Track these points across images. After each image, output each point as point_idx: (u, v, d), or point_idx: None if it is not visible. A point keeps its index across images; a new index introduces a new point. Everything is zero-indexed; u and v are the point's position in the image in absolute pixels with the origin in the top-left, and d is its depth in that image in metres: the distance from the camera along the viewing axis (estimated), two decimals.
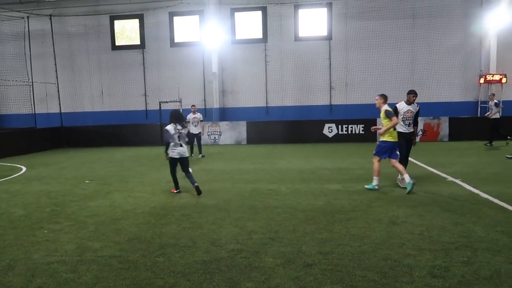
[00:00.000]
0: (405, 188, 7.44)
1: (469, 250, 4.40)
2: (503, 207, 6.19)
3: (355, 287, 3.60)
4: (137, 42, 21.03)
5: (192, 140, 14.00)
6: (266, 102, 20.41)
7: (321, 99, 19.94)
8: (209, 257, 4.45)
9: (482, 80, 18.45)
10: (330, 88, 19.93)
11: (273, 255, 4.43)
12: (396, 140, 7.74)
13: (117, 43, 21.20)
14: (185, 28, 20.86)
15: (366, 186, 7.86)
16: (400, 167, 7.61)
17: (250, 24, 20.47)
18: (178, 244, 4.89)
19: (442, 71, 18.77)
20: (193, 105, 14.68)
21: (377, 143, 8.03)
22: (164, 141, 8.69)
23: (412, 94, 8.24)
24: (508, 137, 14.80)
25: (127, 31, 21.42)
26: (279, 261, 4.27)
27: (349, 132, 18.30)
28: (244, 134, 19.05)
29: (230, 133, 19.16)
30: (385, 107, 7.76)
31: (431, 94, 18.73)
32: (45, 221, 6.18)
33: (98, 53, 21.15)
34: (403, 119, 8.12)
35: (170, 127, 7.67)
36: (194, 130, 13.99)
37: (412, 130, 8.23)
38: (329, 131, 18.43)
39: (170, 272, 4.06)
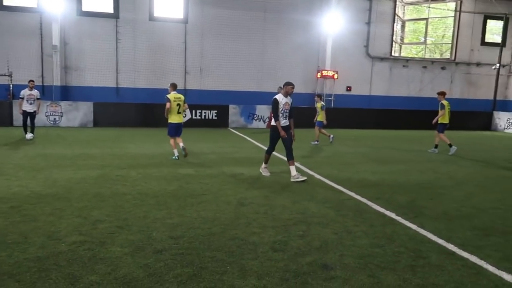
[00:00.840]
0: (266, 175, 7.93)
1: (304, 225, 4.97)
2: (331, 186, 7.19)
3: (205, 268, 3.69)
4: None
5: (26, 119, 12.80)
6: (117, 83, 19.14)
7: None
8: (45, 252, 3.96)
9: (319, 75, 20.96)
10: (185, 72, 19.83)
11: (121, 244, 4.21)
12: None
13: None
14: None
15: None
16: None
17: None
18: (5, 241, 4.21)
19: (287, 64, 20.56)
20: (31, 81, 13.21)
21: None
22: None
23: (290, 85, 7.64)
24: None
25: None
26: (127, 250, 4.07)
27: (203, 117, 18.59)
28: (90, 116, 17.49)
29: (74, 114, 17.34)
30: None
31: (277, 84, 20.36)
32: None
33: None
34: (282, 111, 7.65)
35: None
36: (29, 108, 12.71)
37: (288, 123, 7.83)
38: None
39: None
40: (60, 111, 17.15)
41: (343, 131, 17.97)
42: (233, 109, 19.04)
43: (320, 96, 14.14)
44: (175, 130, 9.72)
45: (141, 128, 16.94)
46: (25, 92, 12.70)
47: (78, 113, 17.37)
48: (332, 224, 5.03)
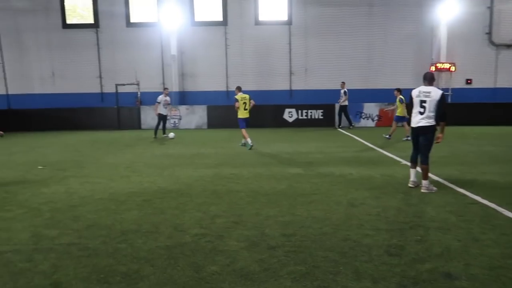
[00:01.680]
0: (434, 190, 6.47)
1: (422, 229, 4.67)
2: (452, 189, 6.60)
3: (318, 267, 3.72)
4: (90, 20, 20.03)
5: (161, 121, 14.78)
6: (227, 86, 20.27)
7: (281, 84, 20.09)
8: (173, 242, 4.41)
9: (433, 68, 19.34)
10: (290, 73, 20.10)
11: (237, 239, 4.47)
12: None
13: (68, 21, 20.06)
14: (141, 7, 20.10)
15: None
16: None
17: (209, 6, 20.09)
18: (140, 230, 4.81)
19: (396, 58, 19.45)
20: (166, 88, 15.72)
21: None
22: None
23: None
24: (352, 124, 17.77)
25: (79, 9, 20.33)
26: (243, 244, 4.31)
27: (309, 117, 18.63)
28: (204, 119, 18.88)
29: (191, 117, 18.91)
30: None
31: (386, 80, 19.40)
32: None
33: (48, 31, 19.94)
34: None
35: None
36: (164, 111, 14.78)
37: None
38: (289, 116, 18.67)
39: (133, 258, 3.99)
40: (179, 114, 18.87)
41: (463, 128, 16.33)
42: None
43: (399, 90, 13.66)
44: (245, 123, 11.76)
45: (250, 129, 17.66)
46: (162, 98, 14.58)
47: (194, 116, 18.89)
48: (454, 230, 4.63)
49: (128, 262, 3.90)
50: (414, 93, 6.44)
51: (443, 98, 6.19)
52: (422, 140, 6.32)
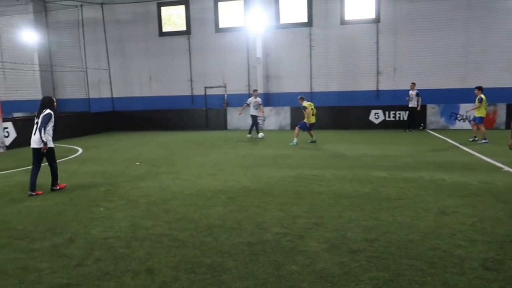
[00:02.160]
0: None
1: (496, 244, 4.19)
2: None
3: (402, 275, 3.55)
4: (183, 28, 21.39)
5: (254, 122, 15.46)
6: (311, 88, 20.16)
7: (367, 85, 19.37)
8: (255, 239, 4.55)
9: None
10: (377, 73, 19.30)
11: (318, 240, 4.46)
12: None
13: (164, 29, 21.68)
14: (229, 13, 20.92)
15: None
16: None
17: (294, 8, 20.16)
18: (224, 226, 5.04)
19: (499, 55, 17.56)
20: (255, 90, 15.96)
21: None
22: None
23: None
24: (422, 125, 16.86)
25: (173, 17, 21.84)
26: (323, 246, 4.29)
27: (397, 118, 17.72)
28: (288, 120, 19.02)
29: (275, 118, 19.19)
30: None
31: (487, 79, 17.62)
32: (100, 199, 6.57)
33: (146, 39, 21.76)
34: None
35: None
36: (254, 112, 15.28)
37: None
38: (375, 117, 17.96)
39: (217, 252, 4.21)
40: (263, 115, 19.25)
41: None
42: (431, 109, 17.48)
43: (480, 88, 12.70)
44: (309, 127, 13.10)
45: (333, 130, 17.38)
46: (252, 100, 15.26)
47: (278, 117, 19.13)
48: None
49: (212, 255, 4.12)
50: None
51: None
52: None
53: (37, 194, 6.95)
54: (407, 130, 16.64)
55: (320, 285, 3.43)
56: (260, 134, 15.23)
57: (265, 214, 5.49)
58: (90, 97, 21.23)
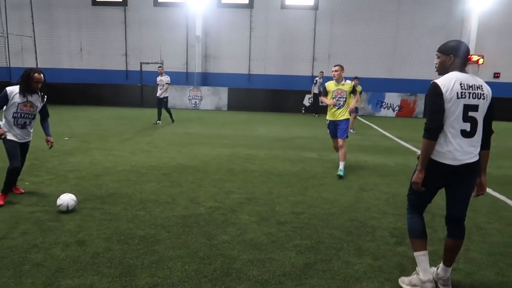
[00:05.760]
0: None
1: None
2: None
3: (322, 242, 3.93)
4: None
5: (158, 105, 13.11)
6: (249, 70, 20.38)
7: (304, 70, 20.05)
8: (188, 212, 4.69)
9: None
10: (313, 59, 20.02)
11: (249, 213, 4.72)
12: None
13: None
14: None
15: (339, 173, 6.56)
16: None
17: None
18: (158, 200, 5.11)
19: (423, 48, 19.08)
20: (160, 66, 13.40)
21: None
22: None
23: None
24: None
25: None
26: (254, 218, 4.56)
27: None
28: (225, 100, 19.12)
29: (211, 98, 19.17)
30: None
31: (410, 70, 19.12)
32: (25, 173, 6.23)
33: (78, 7, 20.40)
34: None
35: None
36: (158, 93, 12.97)
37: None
38: (309, 102, 18.70)
39: (151, 225, 4.29)
40: (200, 95, 19.15)
41: None
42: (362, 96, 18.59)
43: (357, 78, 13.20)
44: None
45: (270, 113, 17.83)
46: (157, 78, 12.94)
47: (215, 97, 19.15)
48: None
49: (146, 227, 4.20)
50: (450, 89, 2.84)
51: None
52: (466, 190, 3.08)
53: None
54: (315, 115, 17.20)
55: (248, 252, 3.68)
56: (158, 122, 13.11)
57: (199, 189, 5.64)
58: (11, 66, 19.53)
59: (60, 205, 4.55)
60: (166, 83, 12.93)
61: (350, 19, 19.36)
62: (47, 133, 5.39)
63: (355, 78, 12.48)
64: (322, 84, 16.76)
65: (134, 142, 9.46)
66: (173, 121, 13.33)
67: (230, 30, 20.04)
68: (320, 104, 14.25)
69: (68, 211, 4.53)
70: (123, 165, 7.01)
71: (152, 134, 10.75)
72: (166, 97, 13.07)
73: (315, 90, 17.06)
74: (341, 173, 6.51)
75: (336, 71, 6.77)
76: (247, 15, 19.93)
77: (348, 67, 19.08)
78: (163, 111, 13.21)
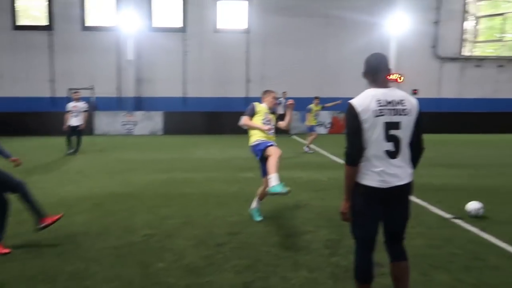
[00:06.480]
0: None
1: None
2: None
3: (260, 260, 3.97)
4: (44, 22, 19.39)
5: (70, 134, 11.62)
6: (184, 93, 20.28)
7: (239, 91, 20.37)
8: (121, 242, 4.51)
9: None
10: (247, 80, 20.45)
11: (186, 238, 4.64)
12: None
13: (19, 23, 19.31)
14: (98, 11, 19.77)
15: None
16: None
17: (169, 13, 20.11)
18: (89, 232, 4.85)
19: (348, 68, 20.32)
20: (76, 92, 12.01)
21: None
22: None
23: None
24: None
25: (31, 10, 19.65)
26: (191, 242, 4.49)
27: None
28: (160, 125, 18.76)
29: (146, 123, 18.72)
30: None
31: (339, 90, 20.20)
32: None
33: None
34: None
35: None
36: (73, 122, 11.53)
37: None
38: None
39: (81, 258, 4.05)
40: (134, 120, 18.61)
41: None
42: (294, 116, 19.26)
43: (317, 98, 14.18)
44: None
45: (207, 135, 17.79)
46: (70, 105, 11.65)
47: (150, 122, 18.72)
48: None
49: (75, 262, 3.97)
50: (367, 108, 2.70)
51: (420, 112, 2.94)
52: (402, 211, 2.88)
53: None
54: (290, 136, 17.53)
55: (186, 277, 3.61)
56: (70, 150, 11.55)
57: (133, 217, 5.45)
58: None
59: None
60: (85, 111, 11.86)
61: (281, 41, 20.15)
62: (6, 156, 5.00)
63: (316, 98, 13.75)
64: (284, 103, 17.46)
65: (62, 172, 8.93)
66: (75, 152, 11.71)
67: (163, 54, 19.89)
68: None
69: None
70: (49, 197, 6.55)
71: (81, 163, 10.22)
72: (83, 126, 11.76)
73: (281, 110, 17.48)
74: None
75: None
76: (180, 39, 19.95)
77: (281, 87, 19.93)
78: (73, 139, 11.69)
